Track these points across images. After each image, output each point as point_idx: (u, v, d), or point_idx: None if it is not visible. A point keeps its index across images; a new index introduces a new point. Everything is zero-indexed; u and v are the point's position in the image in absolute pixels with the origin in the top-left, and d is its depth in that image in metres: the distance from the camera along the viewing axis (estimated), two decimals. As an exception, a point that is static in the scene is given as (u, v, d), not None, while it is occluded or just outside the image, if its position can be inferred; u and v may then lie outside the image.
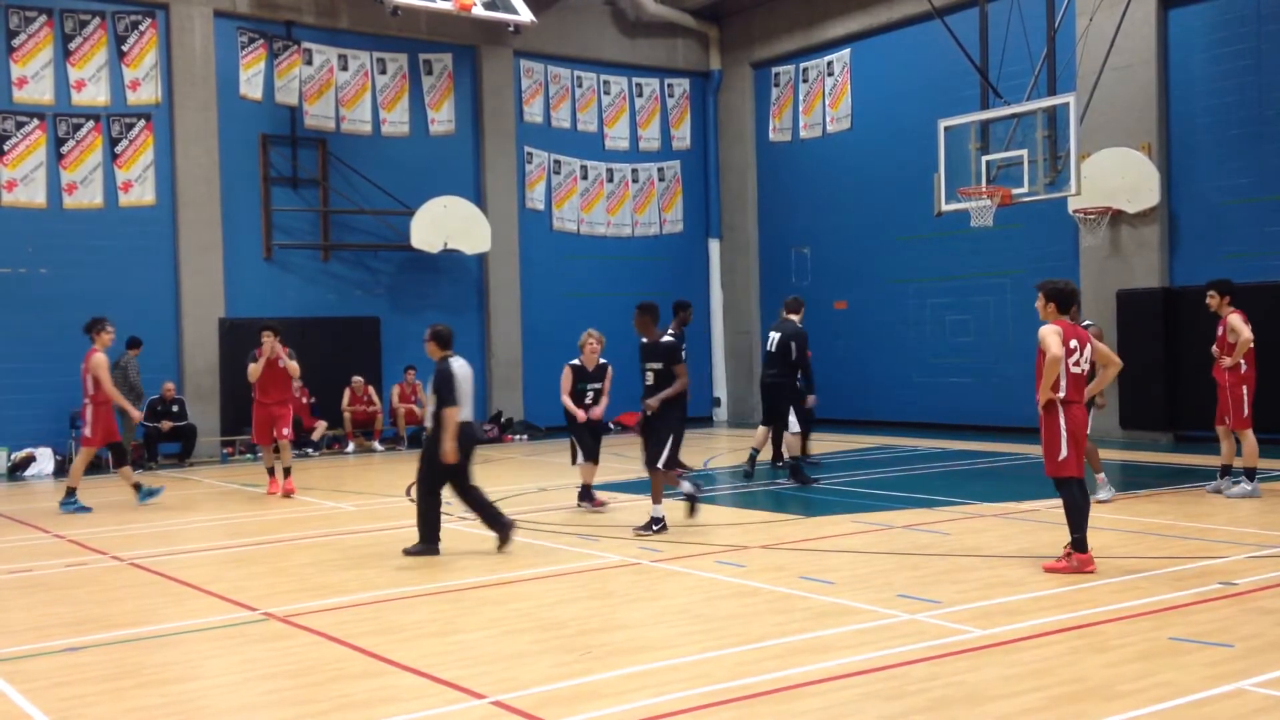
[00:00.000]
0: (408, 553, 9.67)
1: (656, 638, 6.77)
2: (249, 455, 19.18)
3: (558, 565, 9.04)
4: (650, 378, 10.57)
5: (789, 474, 13.73)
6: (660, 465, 10.39)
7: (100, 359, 13.02)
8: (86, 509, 12.92)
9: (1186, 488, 12.21)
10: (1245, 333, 11.33)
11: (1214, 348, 11.67)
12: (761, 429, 14.46)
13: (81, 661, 6.61)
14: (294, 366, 13.94)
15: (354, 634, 6.99)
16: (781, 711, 5.34)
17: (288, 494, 13.81)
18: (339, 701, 5.68)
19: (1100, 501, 10.92)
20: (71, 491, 13.05)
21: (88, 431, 13.12)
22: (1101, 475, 11.43)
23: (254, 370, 13.81)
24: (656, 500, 10.35)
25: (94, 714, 5.64)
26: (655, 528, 10.24)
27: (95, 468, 17.96)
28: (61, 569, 9.63)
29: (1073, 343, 8.25)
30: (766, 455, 14.91)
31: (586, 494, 12.03)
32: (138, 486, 13.37)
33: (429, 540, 9.72)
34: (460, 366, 9.83)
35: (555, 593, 8.08)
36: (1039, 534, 9.69)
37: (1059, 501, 8.41)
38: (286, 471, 14.03)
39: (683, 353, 10.93)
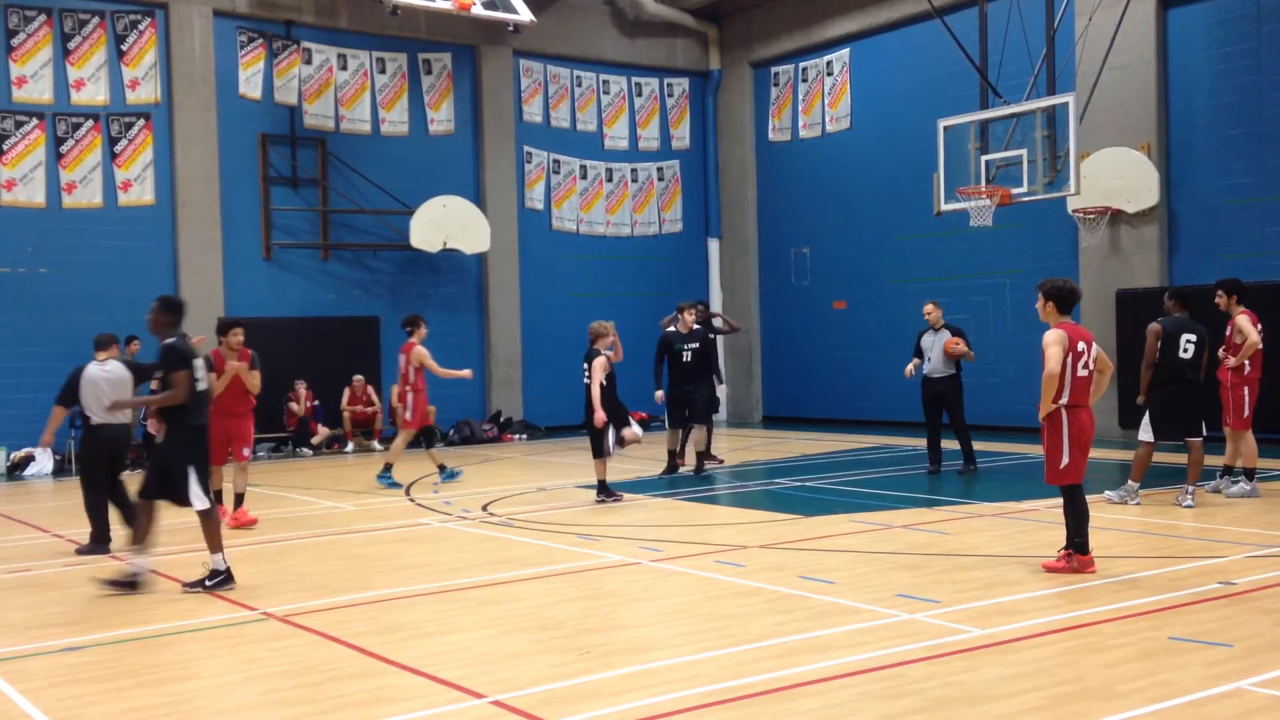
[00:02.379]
0: (79, 552, 10.11)
1: (655, 637, 6.77)
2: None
3: (557, 565, 9.04)
4: (155, 385, 9.03)
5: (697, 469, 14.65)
6: (144, 497, 8.63)
7: (422, 350, 14.32)
8: (398, 485, 14.21)
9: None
10: (1253, 335, 11.23)
11: (1221, 350, 11.62)
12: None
13: (81, 661, 6.61)
14: (255, 381, 11.71)
15: (353, 634, 6.99)
16: (780, 711, 5.34)
17: (243, 525, 11.54)
18: (338, 701, 5.68)
19: (1186, 507, 10.81)
20: (388, 467, 14.49)
21: (408, 416, 14.41)
22: (1192, 487, 11.01)
23: (220, 382, 11.31)
24: (213, 548, 8.51)
25: (93, 714, 5.64)
26: (210, 583, 8.40)
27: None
28: (60, 568, 9.62)
29: (1080, 345, 8.14)
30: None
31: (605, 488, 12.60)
32: (442, 467, 14.60)
33: (98, 540, 10.18)
34: (97, 371, 10.31)
35: (555, 592, 8.08)
36: (1039, 534, 9.68)
37: (1058, 501, 8.41)
38: (239, 499, 11.76)
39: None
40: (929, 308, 14.28)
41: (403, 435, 14.77)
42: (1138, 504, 11.05)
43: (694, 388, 14.49)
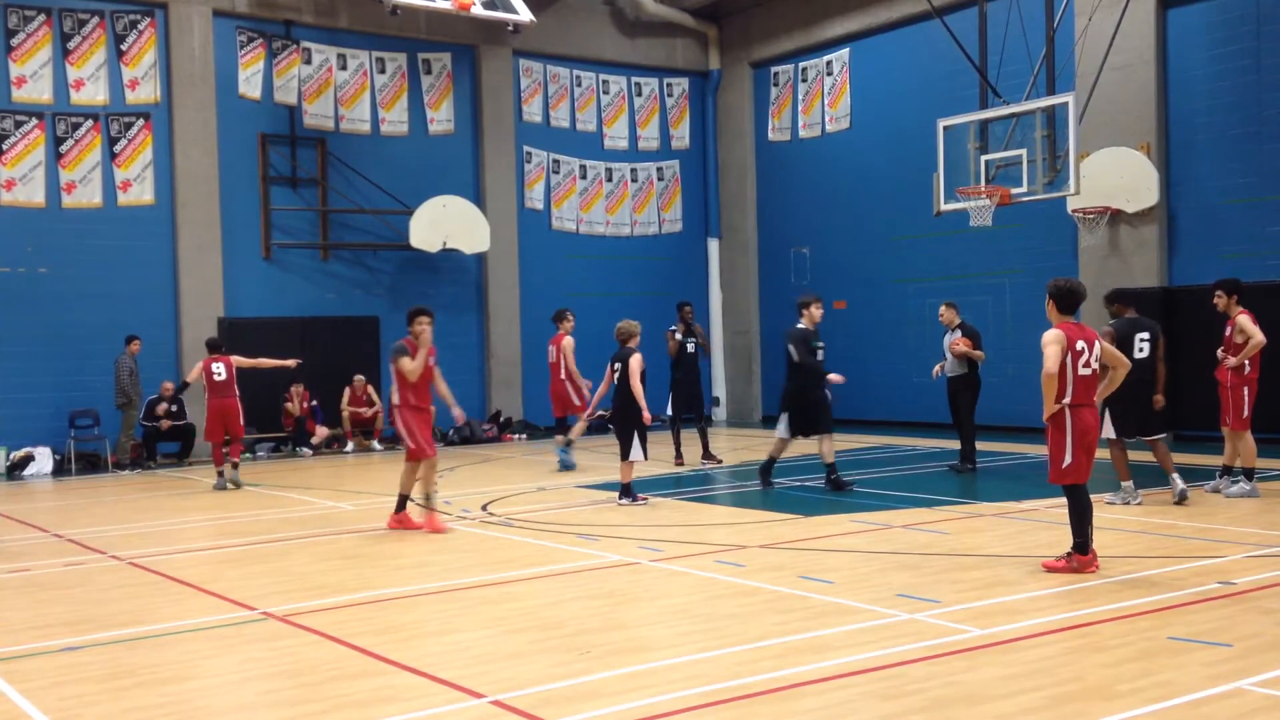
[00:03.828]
0: None
1: (655, 637, 6.78)
2: (247, 455, 19.17)
3: (557, 565, 9.04)
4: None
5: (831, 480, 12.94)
6: None
7: (569, 343, 15.53)
8: (572, 465, 15.36)
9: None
10: (1257, 335, 11.20)
11: (1220, 350, 11.60)
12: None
13: (80, 661, 6.61)
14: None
15: (353, 634, 6.99)
16: (780, 711, 5.34)
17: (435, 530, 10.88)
18: (338, 701, 5.68)
19: (1178, 503, 10.86)
20: (569, 444, 15.56)
21: (577, 401, 15.58)
22: (1175, 475, 11.09)
23: (416, 368, 10.72)
24: None
25: (93, 714, 5.64)
26: None
27: (94, 466, 18.00)
28: (60, 568, 9.62)
29: (1079, 344, 8.12)
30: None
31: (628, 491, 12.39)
32: (567, 445, 15.52)
33: None
34: None
35: (555, 592, 8.08)
36: (1038, 534, 9.68)
37: (1058, 501, 8.40)
38: (429, 502, 11.11)
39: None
40: (941, 309, 14.65)
41: (581, 422, 15.73)
42: (1139, 503, 11.05)
43: (825, 393, 12.85)
